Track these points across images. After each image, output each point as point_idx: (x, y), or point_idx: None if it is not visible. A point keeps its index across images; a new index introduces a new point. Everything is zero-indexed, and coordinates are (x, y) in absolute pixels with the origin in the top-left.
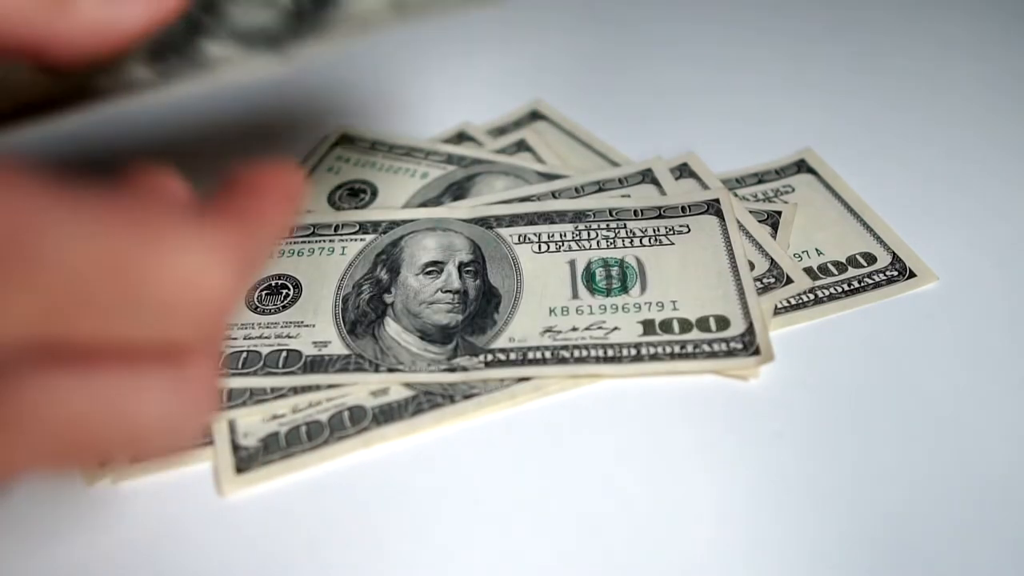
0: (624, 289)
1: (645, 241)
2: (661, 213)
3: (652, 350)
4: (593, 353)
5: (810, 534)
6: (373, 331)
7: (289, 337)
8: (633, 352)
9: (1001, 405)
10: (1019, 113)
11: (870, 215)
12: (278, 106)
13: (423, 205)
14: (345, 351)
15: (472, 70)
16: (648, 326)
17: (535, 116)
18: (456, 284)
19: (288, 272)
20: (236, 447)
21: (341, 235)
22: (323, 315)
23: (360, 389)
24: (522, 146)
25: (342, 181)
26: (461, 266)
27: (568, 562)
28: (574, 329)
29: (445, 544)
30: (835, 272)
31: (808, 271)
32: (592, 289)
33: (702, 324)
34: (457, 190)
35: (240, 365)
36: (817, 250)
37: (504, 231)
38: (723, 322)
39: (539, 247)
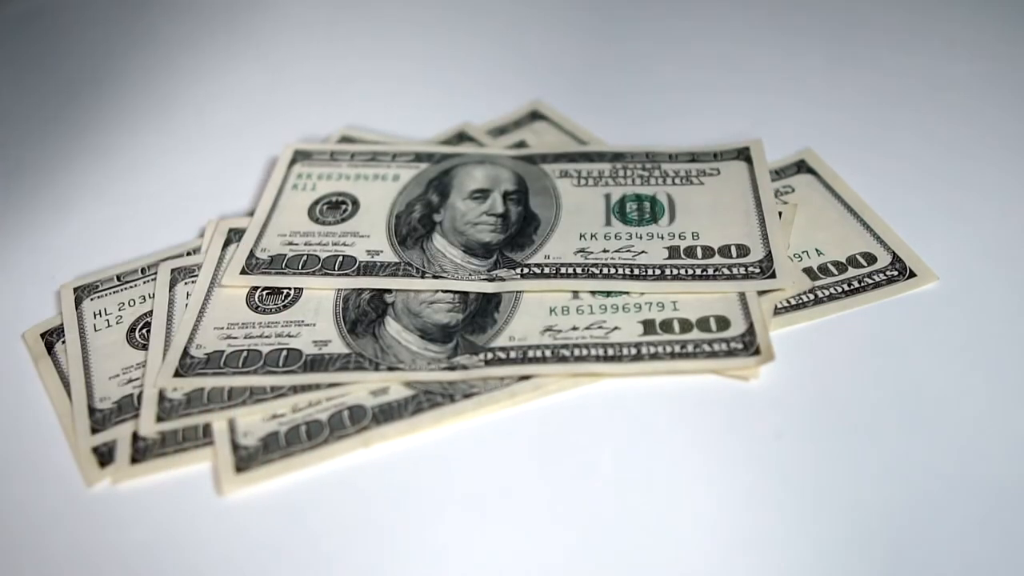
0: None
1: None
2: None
3: (652, 349)
4: (593, 352)
5: (810, 533)
6: (373, 330)
7: (290, 336)
8: (633, 351)
9: (1001, 404)
10: (1019, 112)
11: (870, 215)
12: (279, 105)
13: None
14: (345, 350)
15: (472, 70)
16: (648, 326)
17: (535, 116)
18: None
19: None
20: (236, 446)
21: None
22: (323, 314)
23: (360, 388)
24: (522, 146)
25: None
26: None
27: (569, 561)
28: (574, 328)
29: (445, 543)
30: (835, 272)
31: (808, 271)
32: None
33: (702, 324)
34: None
35: (241, 364)
36: (817, 250)
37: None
38: (723, 322)
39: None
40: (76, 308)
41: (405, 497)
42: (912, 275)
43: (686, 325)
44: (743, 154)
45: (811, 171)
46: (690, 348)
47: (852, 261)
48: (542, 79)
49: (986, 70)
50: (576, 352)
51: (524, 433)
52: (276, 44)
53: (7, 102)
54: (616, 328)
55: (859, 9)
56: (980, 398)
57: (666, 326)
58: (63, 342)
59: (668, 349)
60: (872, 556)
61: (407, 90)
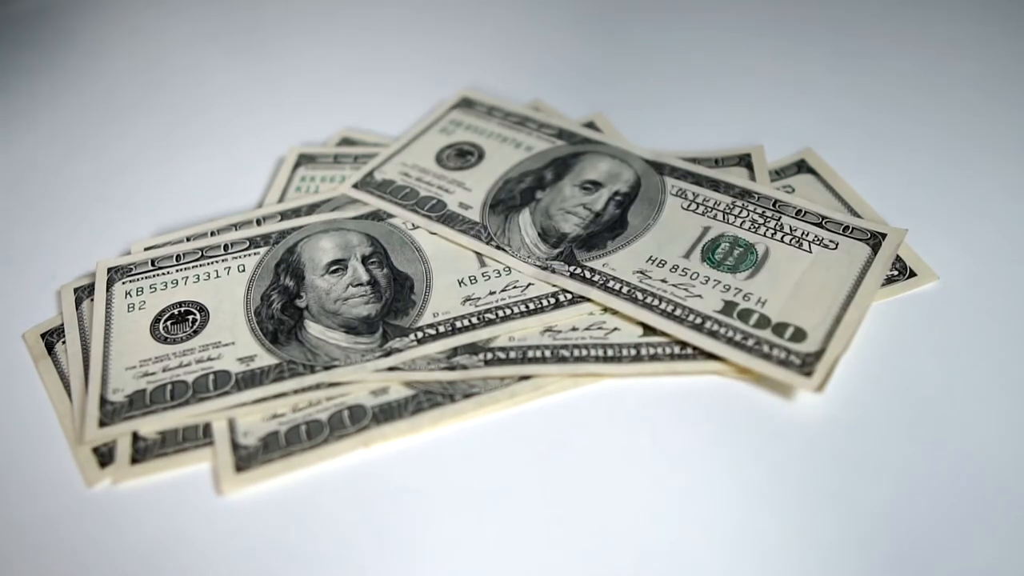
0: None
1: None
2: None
3: (652, 350)
4: (593, 352)
5: (810, 532)
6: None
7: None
8: (633, 352)
9: (1000, 404)
10: (1019, 113)
11: (870, 215)
12: (279, 105)
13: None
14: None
15: (472, 70)
16: (648, 326)
17: None
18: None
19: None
20: (236, 446)
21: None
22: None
23: (360, 388)
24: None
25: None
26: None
27: (569, 561)
28: (574, 328)
29: (445, 543)
30: None
31: None
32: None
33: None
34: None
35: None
36: None
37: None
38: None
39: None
40: (76, 308)
41: (405, 497)
42: (912, 275)
43: None
44: (744, 160)
45: (811, 171)
46: (689, 349)
47: None
48: (542, 79)
49: (986, 70)
50: (576, 352)
51: (524, 433)
52: (276, 45)
53: (7, 102)
54: (616, 329)
55: (859, 9)
56: (980, 397)
57: None
58: (63, 342)
59: (667, 350)
60: (872, 555)
61: (407, 90)
